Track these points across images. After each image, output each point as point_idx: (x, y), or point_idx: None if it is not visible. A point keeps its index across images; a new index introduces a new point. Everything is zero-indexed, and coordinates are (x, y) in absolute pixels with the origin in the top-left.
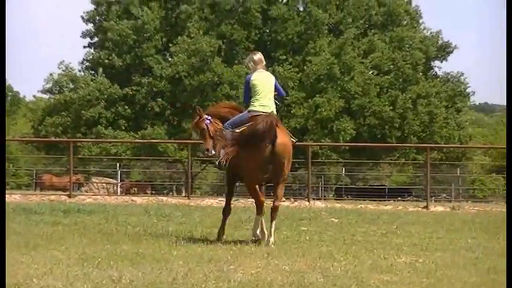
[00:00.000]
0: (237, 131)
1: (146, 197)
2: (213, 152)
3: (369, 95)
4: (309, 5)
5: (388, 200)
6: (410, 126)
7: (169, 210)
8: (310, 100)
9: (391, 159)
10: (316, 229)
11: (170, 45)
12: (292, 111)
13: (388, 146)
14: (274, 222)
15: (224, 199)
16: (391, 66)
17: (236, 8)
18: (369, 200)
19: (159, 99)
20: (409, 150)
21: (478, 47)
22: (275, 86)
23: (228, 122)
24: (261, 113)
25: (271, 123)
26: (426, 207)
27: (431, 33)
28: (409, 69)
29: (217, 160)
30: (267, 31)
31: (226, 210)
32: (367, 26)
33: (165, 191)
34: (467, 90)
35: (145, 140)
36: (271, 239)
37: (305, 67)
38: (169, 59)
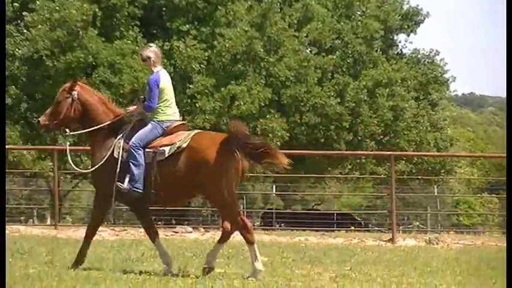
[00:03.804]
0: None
1: None
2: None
3: (307, 82)
4: None
5: (339, 230)
6: (366, 126)
7: (29, 244)
8: (223, 89)
9: (340, 173)
10: (237, 271)
11: (25, 12)
12: (197, 105)
13: (335, 153)
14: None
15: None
16: (337, 42)
17: None
18: (311, 231)
19: (11, 88)
20: (366, 160)
21: (459, 13)
22: None
23: (135, 139)
24: (176, 123)
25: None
26: (392, 240)
27: None
28: (361, 45)
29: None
30: None
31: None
32: None
33: (21, 218)
34: (445, 76)
35: None
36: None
37: (215, 42)
38: (25, 32)
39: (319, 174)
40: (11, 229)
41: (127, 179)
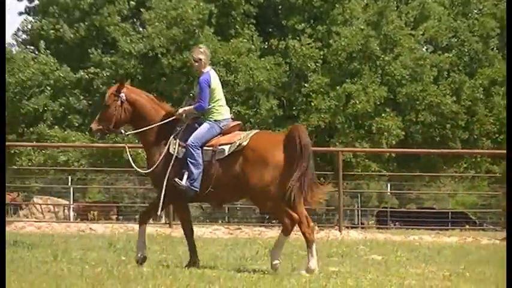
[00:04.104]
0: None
1: (110, 224)
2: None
3: (422, 80)
4: None
5: (453, 229)
6: (481, 125)
7: None
8: (338, 87)
9: (456, 172)
10: (351, 270)
11: (141, 9)
12: (313, 103)
13: (451, 152)
14: None
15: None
16: (453, 40)
17: None
18: (425, 229)
19: None
20: (481, 159)
21: None
22: None
23: (193, 138)
24: (232, 123)
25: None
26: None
27: None
28: (478, 43)
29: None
30: None
31: None
32: None
33: (136, 216)
34: None
35: (108, 145)
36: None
37: (331, 41)
38: (141, 30)
39: (434, 172)
40: (126, 227)
41: (185, 177)
